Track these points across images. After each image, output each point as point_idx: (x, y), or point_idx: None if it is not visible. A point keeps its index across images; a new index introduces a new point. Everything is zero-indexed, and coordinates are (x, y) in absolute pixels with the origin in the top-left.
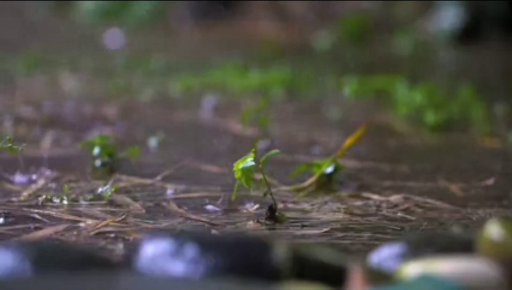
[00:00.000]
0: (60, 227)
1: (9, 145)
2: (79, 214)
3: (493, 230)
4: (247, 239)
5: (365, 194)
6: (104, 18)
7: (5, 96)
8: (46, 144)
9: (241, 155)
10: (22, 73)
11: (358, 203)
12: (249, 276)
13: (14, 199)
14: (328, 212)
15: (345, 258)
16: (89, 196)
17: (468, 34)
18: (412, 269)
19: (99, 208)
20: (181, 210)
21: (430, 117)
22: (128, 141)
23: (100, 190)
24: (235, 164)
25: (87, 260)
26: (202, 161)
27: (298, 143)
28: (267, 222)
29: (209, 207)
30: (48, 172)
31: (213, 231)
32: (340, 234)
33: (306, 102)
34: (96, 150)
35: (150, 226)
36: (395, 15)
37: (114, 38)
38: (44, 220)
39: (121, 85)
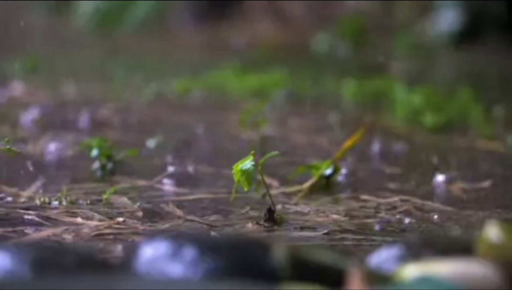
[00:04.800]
0: (59, 229)
1: (8, 146)
2: (78, 216)
3: (492, 232)
4: (245, 241)
5: (364, 196)
6: (102, 20)
7: (4, 98)
8: (45, 146)
9: (240, 156)
10: (20, 75)
11: (357, 204)
12: (248, 277)
13: (13, 200)
14: (326, 213)
15: (343, 260)
16: (88, 198)
17: (467, 36)
18: (411, 270)
19: (98, 210)
20: (180, 212)
21: (429, 119)
22: (126, 143)
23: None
24: (234, 166)
25: (85, 262)
26: (201, 163)
27: (297, 145)
28: (266, 224)
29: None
30: (46, 174)
31: (212, 233)
32: (339, 236)
33: (305, 104)
34: (95, 152)
35: (148, 227)
36: (394, 17)
37: None
38: (43, 221)
39: (120, 87)
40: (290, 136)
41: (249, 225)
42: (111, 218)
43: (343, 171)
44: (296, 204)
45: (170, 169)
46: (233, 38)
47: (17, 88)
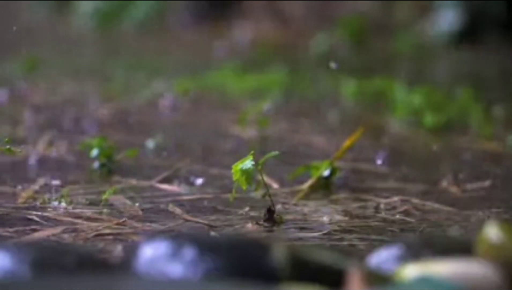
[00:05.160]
0: (58, 229)
1: (8, 146)
2: (78, 216)
3: (492, 232)
4: (245, 241)
5: (363, 196)
6: (102, 20)
7: (4, 97)
8: (45, 146)
9: (240, 156)
10: (20, 75)
11: (356, 205)
12: (248, 278)
13: (12, 200)
14: (326, 214)
15: (343, 260)
16: (88, 198)
17: (466, 36)
18: (411, 271)
19: (98, 210)
20: (179, 212)
21: (428, 119)
22: (126, 143)
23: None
24: (234, 166)
25: (85, 262)
26: (201, 163)
27: (297, 145)
28: (266, 224)
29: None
30: (46, 174)
31: (212, 233)
32: (339, 236)
33: (304, 104)
34: (94, 152)
35: (148, 228)
36: (394, 17)
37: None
38: (43, 222)
39: (119, 88)
40: (290, 136)
41: (249, 225)
42: (111, 218)
43: (343, 171)
44: (295, 204)
45: (170, 169)
46: (236, 36)
47: (17, 88)
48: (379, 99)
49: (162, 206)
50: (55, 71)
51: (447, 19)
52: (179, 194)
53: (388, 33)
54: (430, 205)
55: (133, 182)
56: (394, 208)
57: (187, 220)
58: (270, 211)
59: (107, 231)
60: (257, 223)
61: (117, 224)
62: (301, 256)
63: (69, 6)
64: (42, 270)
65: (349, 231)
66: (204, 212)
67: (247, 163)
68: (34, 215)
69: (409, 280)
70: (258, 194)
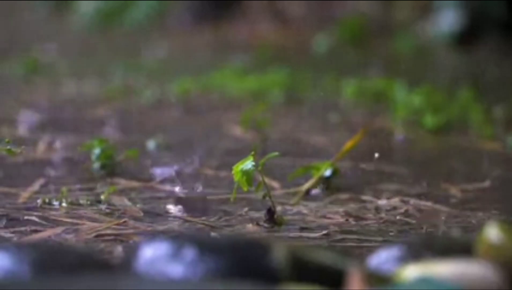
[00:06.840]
0: (59, 229)
1: (8, 147)
2: (78, 216)
3: (492, 232)
4: (246, 242)
5: (364, 197)
6: (102, 20)
7: (3, 98)
8: (45, 147)
9: (241, 156)
10: (20, 75)
11: (357, 205)
12: (248, 278)
13: (13, 201)
14: (326, 214)
15: (343, 260)
16: (88, 199)
17: (467, 36)
18: (411, 271)
19: (98, 210)
20: (180, 213)
21: (429, 119)
22: (126, 144)
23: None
24: (234, 166)
25: (85, 262)
26: (202, 163)
27: (297, 146)
28: (266, 225)
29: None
30: (46, 174)
31: (212, 233)
32: (339, 237)
33: (305, 105)
34: (95, 152)
35: (149, 228)
36: (394, 18)
37: None
38: (43, 222)
39: (119, 88)
40: (290, 136)
41: (249, 225)
42: (111, 219)
43: (343, 171)
44: (295, 205)
45: (170, 169)
46: (236, 36)
47: (18, 88)
48: (379, 100)
49: (162, 206)
50: (56, 72)
51: (447, 20)
52: (179, 195)
53: (388, 34)
54: (431, 205)
55: (134, 182)
56: (394, 208)
57: (187, 220)
58: (271, 212)
59: (108, 231)
60: (257, 224)
61: (117, 224)
62: (301, 256)
63: (70, 6)
64: (42, 270)
65: (349, 232)
66: (204, 212)
67: (248, 164)
68: (34, 215)
69: (409, 281)
70: (258, 194)
